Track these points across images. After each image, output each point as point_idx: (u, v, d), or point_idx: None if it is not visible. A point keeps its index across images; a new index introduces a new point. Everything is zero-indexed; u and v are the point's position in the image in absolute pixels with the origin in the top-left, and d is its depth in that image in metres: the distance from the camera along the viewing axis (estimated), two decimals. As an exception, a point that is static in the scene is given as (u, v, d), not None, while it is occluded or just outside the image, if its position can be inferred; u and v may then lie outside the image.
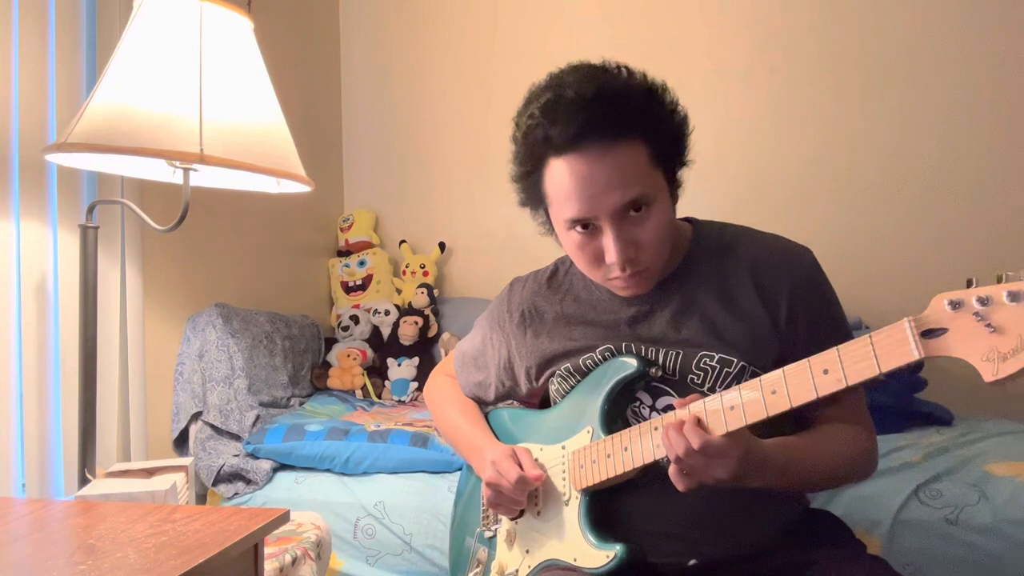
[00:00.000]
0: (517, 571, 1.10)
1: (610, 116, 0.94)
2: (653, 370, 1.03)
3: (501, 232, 2.88)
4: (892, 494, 1.53)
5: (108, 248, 1.69)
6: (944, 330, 0.74)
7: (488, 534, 1.17)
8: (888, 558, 1.19)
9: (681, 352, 1.04)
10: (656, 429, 0.96)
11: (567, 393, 1.13)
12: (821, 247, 1.15)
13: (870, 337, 0.79)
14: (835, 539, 1.08)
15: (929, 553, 1.46)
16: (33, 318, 1.50)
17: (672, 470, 0.90)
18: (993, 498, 1.48)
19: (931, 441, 1.81)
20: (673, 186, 1.04)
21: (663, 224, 1.00)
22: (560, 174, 0.97)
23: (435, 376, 1.41)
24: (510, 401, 1.28)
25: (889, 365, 0.77)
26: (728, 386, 1.01)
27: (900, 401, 1.98)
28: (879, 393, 1.79)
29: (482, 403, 1.30)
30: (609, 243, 0.98)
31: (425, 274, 2.83)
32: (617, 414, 1.06)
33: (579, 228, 0.99)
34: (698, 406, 0.92)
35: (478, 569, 1.17)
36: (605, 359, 1.08)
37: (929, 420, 2.00)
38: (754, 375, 1.01)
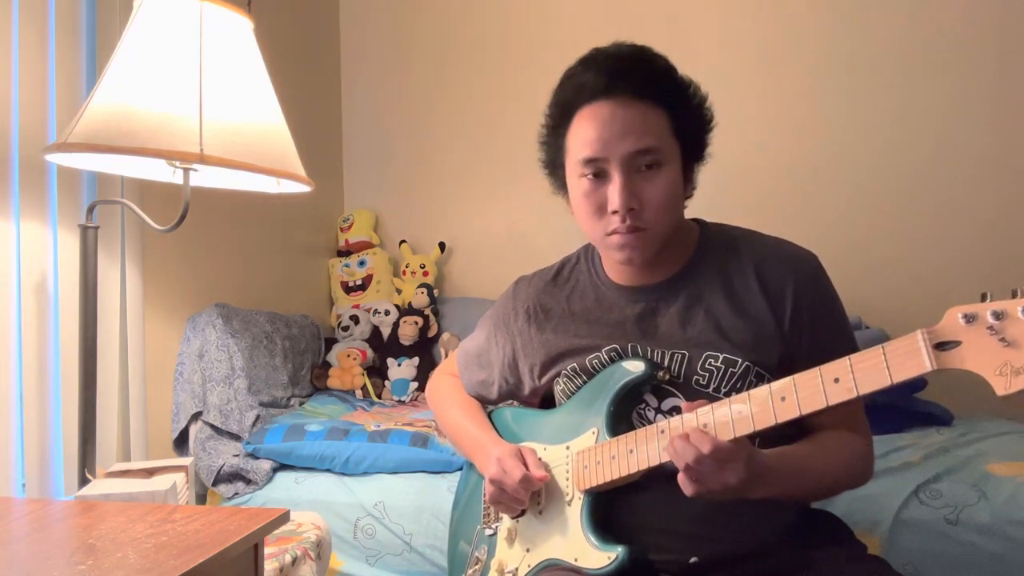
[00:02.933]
0: (517, 569, 1.10)
1: (641, 74, 1.01)
2: (660, 373, 1.04)
3: (501, 232, 2.88)
4: (892, 494, 1.53)
5: (108, 248, 1.69)
6: (957, 343, 0.75)
7: (489, 532, 1.17)
8: (888, 558, 1.20)
9: (687, 353, 1.04)
10: (662, 432, 0.96)
11: (573, 394, 1.13)
12: (821, 245, 1.16)
13: (883, 348, 0.79)
14: (835, 539, 1.08)
15: (929, 553, 1.46)
16: (33, 318, 1.50)
17: (681, 478, 0.90)
18: (993, 498, 1.48)
19: (931, 441, 1.81)
20: (688, 171, 1.07)
21: (671, 189, 1.02)
22: (584, 122, 1.02)
23: (438, 376, 1.41)
24: (511, 401, 1.28)
25: (901, 376, 0.78)
26: (733, 386, 1.01)
27: (900, 401, 1.98)
28: (879, 393, 1.79)
29: (485, 402, 1.30)
30: (615, 189, 1.00)
31: (425, 274, 2.83)
32: (623, 416, 1.06)
33: (590, 175, 1.02)
34: (705, 411, 0.92)
35: (477, 567, 1.17)
36: (612, 360, 1.08)
37: (929, 420, 2.00)
38: (759, 375, 1.01)
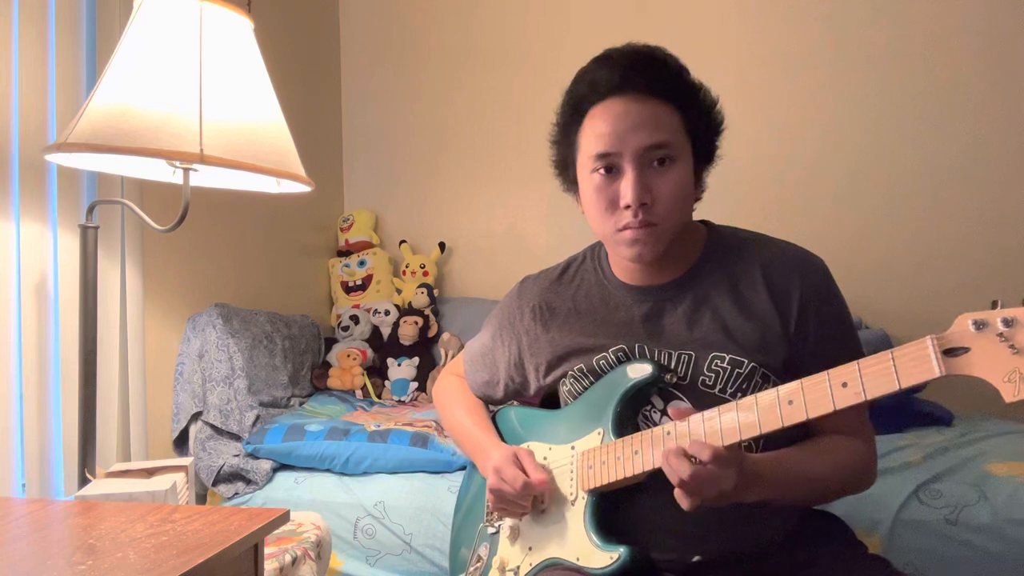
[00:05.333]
0: (518, 568, 1.10)
1: (655, 71, 1.01)
2: (668, 376, 1.04)
3: (501, 232, 2.88)
4: (892, 494, 1.53)
5: (108, 248, 1.69)
6: (966, 349, 0.75)
7: (491, 530, 1.17)
8: (888, 558, 1.19)
9: (693, 355, 1.04)
10: (668, 434, 0.96)
11: (580, 394, 1.13)
12: (822, 245, 1.16)
13: (891, 353, 0.79)
14: (836, 539, 1.08)
15: (929, 553, 1.46)
16: (33, 318, 1.50)
17: (678, 492, 0.90)
18: (993, 498, 1.48)
19: (931, 441, 1.81)
20: (698, 172, 1.07)
21: (682, 185, 1.02)
22: (597, 118, 1.03)
23: (443, 376, 1.41)
24: (515, 400, 1.28)
25: (910, 381, 0.78)
26: (739, 387, 1.01)
27: (900, 401, 1.98)
28: (885, 397, 1.80)
29: (491, 402, 1.30)
30: (627, 183, 1.00)
31: (425, 274, 2.83)
32: (628, 417, 1.06)
33: (602, 171, 1.03)
34: (712, 414, 0.92)
35: (479, 564, 1.17)
36: (619, 361, 1.08)
37: (929, 420, 2.00)
38: (764, 377, 1.01)
